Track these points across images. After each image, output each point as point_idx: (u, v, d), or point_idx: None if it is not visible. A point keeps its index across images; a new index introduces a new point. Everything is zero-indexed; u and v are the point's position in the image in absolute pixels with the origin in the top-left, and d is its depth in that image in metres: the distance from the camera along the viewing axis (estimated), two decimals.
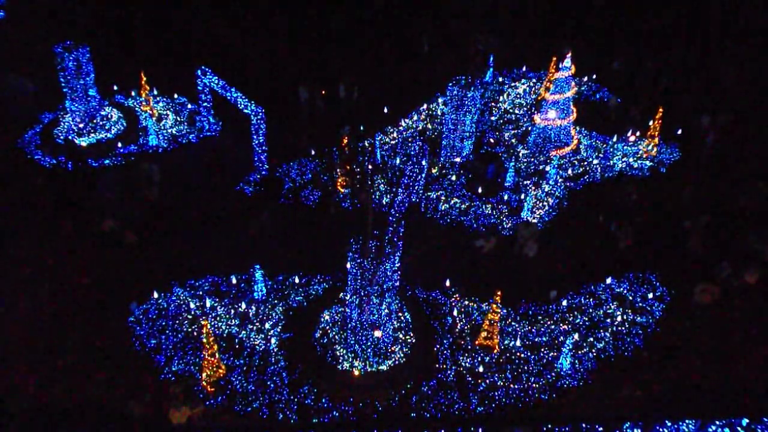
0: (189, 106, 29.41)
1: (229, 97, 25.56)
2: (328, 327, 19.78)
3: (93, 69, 26.47)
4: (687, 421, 17.26)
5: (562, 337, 20.10)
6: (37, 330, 19.32)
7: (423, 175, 25.34)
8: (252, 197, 25.07)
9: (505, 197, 25.60)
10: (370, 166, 25.61)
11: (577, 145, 28.60)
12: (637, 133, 29.07)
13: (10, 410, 17.11)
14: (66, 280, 20.95)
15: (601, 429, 17.18)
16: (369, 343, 18.50)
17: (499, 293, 18.99)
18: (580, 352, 19.76)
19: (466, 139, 26.93)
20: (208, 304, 20.31)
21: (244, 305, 20.44)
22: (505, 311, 20.69)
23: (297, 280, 21.52)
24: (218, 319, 20.04)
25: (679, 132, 29.23)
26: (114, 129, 27.37)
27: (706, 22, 36.38)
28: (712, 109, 30.47)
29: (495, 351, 19.58)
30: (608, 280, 22.19)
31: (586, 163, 27.82)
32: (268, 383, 18.29)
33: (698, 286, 21.58)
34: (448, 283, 21.70)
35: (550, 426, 17.07)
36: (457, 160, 27.31)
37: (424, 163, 25.18)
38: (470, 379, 18.87)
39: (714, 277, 22.01)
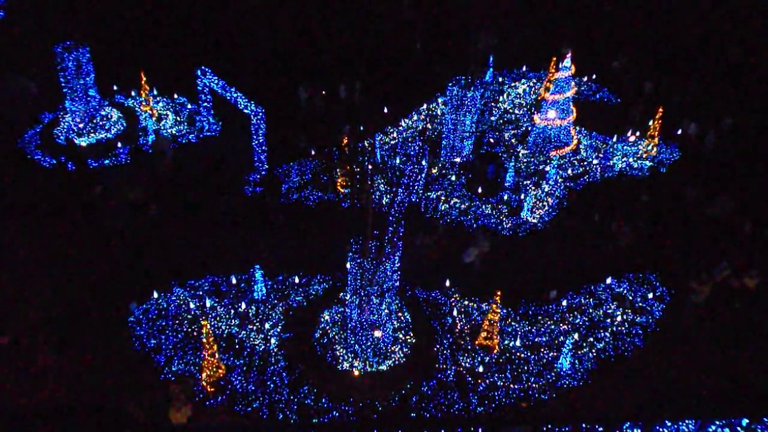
0: (189, 106, 29.42)
1: (229, 97, 25.57)
2: (328, 327, 19.79)
3: (93, 69, 26.47)
4: (687, 421, 17.28)
5: (562, 337, 20.12)
6: (36, 330, 19.32)
7: (423, 175, 25.34)
8: (253, 197, 25.12)
9: (505, 197, 25.62)
10: (370, 166, 25.60)
11: (577, 145, 28.62)
12: (637, 133, 29.09)
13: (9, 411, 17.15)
14: (65, 280, 20.98)
15: (601, 429, 17.20)
16: (369, 343, 18.51)
17: (499, 293, 19.00)
18: (580, 352, 19.77)
19: (466, 139, 26.94)
20: (208, 304, 20.32)
21: (244, 305, 20.45)
22: (505, 311, 20.70)
23: (297, 280, 21.53)
24: (218, 319, 20.05)
25: (679, 132, 29.31)
26: (114, 129, 27.38)
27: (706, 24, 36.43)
28: (712, 111, 30.56)
29: (495, 351, 19.59)
30: (608, 280, 22.20)
31: (586, 163, 27.83)
32: (268, 383, 18.30)
33: (690, 284, 21.60)
34: (448, 283, 21.72)
35: (550, 426, 17.10)
36: (457, 160, 27.32)
37: (424, 163, 25.18)
38: (470, 379, 18.88)
39: (711, 276, 22.03)
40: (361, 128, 28.19)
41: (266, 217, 24.07)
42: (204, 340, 17.51)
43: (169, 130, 27.91)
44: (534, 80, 32.87)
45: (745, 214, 24.78)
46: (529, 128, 29.28)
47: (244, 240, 23.01)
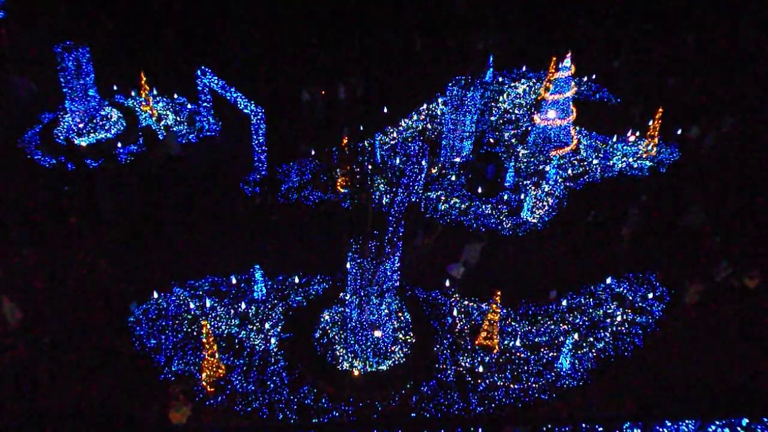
0: (189, 106, 29.41)
1: (229, 97, 25.57)
2: (328, 327, 19.79)
3: (93, 69, 26.48)
4: (687, 421, 17.27)
5: (562, 337, 20.12)
6: (35, 330, 19.32)
7: (423, 175, 25.34)
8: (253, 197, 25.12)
9: (505, 197, 25.62)
10: (370, 166, 25.63)
11: (577, 145, 28.62)
12: (637, 133, 29.10)
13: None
14: (65, 279, 20.96)
15: (601, 429, 17.19)
16: (369, 343, 18.51)
17: (498, 293, 19.01)
18: (580, 352, 19.77)
19: (466, 139, 26.94)
20: (208, 304, 20.32)
21: (244, 305, 20.45)
22: (505, 311, 20.70)
23: (297, 280, 21.53)
24: (218, 319, 20.05)
25: (679, 132, 29.32)
26: (114, 129, 27.37)
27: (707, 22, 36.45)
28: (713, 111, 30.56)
29: (495, 351, 19.59)
30: (608, 280, 22.21)
31: (586, 163, 27.84)
32: (268, 383, 18.30)
33: (686, 286, 21.58)
34: (447, 283, 21.72)
35: (550, 426, 17.09)
36: (457, 160, 27.32)
37: (424, 163, 25.18)
38: (470, 379, 18.88)
39: (712, 277, 22.02)
40: (361, 128, 28.21)
41: (265, 217, 24.09)
42: (204, 340, 17.51)
43: (172, 130, 27.90)
44: (534, 80, 32.87)
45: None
46: (529, 128, 29.28)
47: (245, 240, 23.04)
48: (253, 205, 24.61)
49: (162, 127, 27.96)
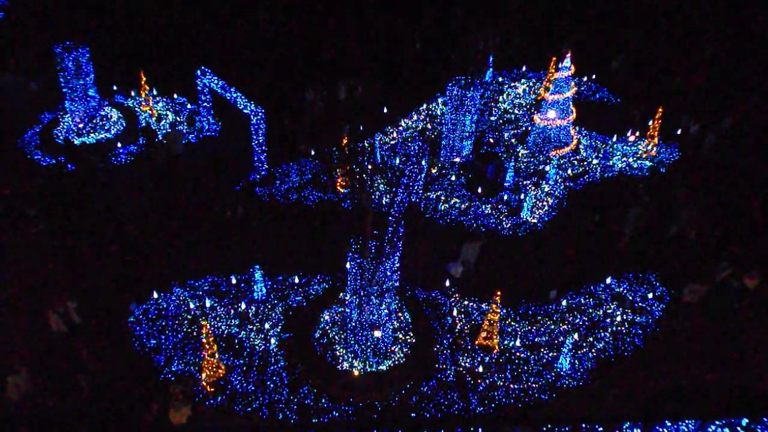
0: (189, 106, 29.40)
1: (229, 97, 25.57)
2: (328, 327, 19.78)
3: (93, 69, 26.47)
4: (687, 421, 17.25)
5: (562, 337, 20.11)
6: (35, 331, 19.31)
7: (423, 175, 25.34)
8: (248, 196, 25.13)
9: (505, 197, 25.62)
10: (370, 166, 25.61)
11: (577, 145, 28.62)
12: (637, 133, 29.09)
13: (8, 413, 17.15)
14: (65, 280, 20.96)
15: (601, 429, 17.17)
16: (369, 343, 18.50)
17: (499, 293, 19.00)
18: (579, 352, 19.77)
19: (466, 139, 26.94)
20: (207, 304, 20.31)
21: (243, 305, 20.44)
22: (504, 311, 20.70)
23: (297, 280, 21.52)
24: (218, 319, 20.04)
25: (679, 132, 29.32)
26: (113, 129, 27.37)
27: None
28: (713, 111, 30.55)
29: (495, 351, 19.58)
30: (608, 280, 22.20)
31: (586, 163, 27.84)
32: (268, 383, 18.29)
33: (687, 286, 21.57)
34: (447, 283, 21.71)
35: (550, 426, 17.05)
36: (457, 160, 27.32)
37: (424, 163, 25.18)
38: (470, 379, 18.87)
39: (711, 277, 22.01)
40: (361, 128, 28.21)
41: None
42: (204, 340, 17.51)
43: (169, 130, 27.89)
44: (534, 80, 32.87)
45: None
46: (529, 128, 29.27)
47: (244, 240, 23.04)
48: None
49: (162, 127, 27.94)
